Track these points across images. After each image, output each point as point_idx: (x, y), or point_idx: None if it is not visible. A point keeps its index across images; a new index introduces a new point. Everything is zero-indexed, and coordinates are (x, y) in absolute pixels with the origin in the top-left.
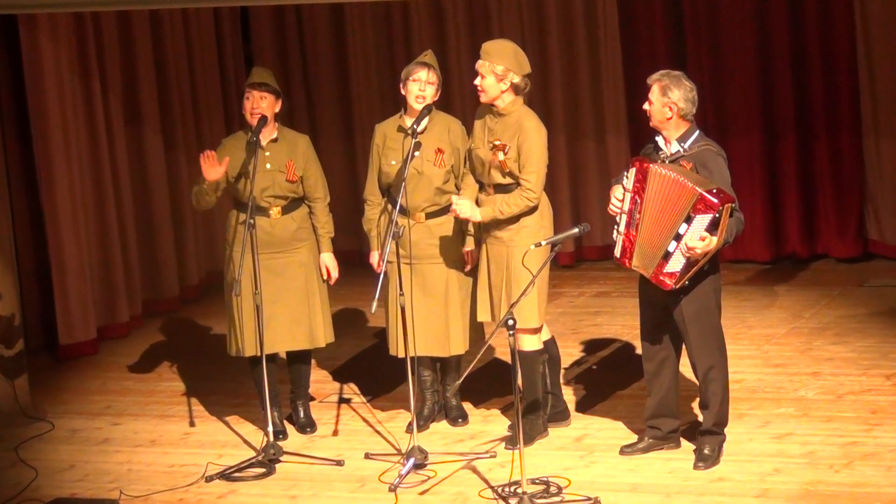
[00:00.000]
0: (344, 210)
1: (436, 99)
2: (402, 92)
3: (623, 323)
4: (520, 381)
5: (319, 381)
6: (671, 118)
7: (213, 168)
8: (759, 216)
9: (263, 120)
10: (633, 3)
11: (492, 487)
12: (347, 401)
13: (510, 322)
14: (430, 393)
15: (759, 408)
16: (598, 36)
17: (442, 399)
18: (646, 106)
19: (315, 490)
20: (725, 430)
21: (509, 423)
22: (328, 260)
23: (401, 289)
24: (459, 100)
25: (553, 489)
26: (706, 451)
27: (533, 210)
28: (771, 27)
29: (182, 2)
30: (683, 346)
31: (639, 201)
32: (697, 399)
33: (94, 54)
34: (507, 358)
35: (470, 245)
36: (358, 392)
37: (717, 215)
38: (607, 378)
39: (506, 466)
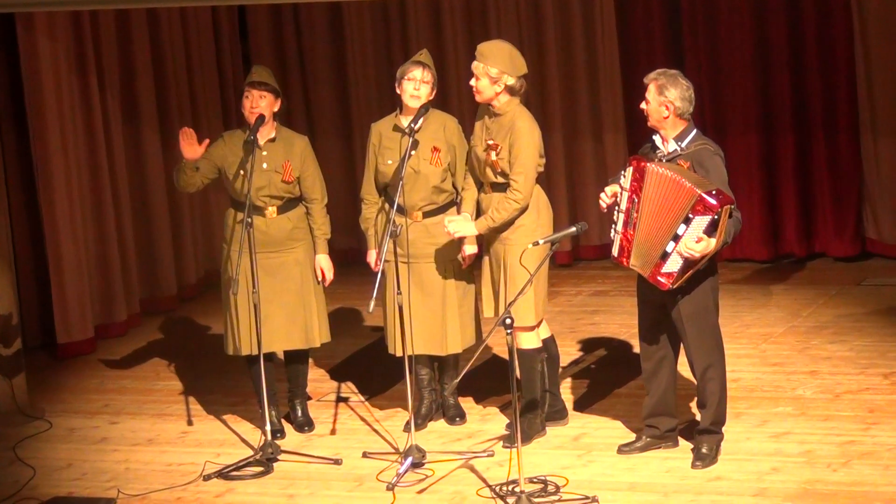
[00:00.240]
0: (342, 209)
1: (431, 98)
2: (398, 91)
3: (621, 322)
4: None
5: (317, 379)
6: (668, 117)
7: (191, 146)
8: (757, 215)
9: (261, 119)
10: (630, 2)
11: (490, 486)
12: (345, 400)
13: (507, 321)
14: (427, 392)
15: (757, 407)
16: (595, 35)
17: (440, 398)
18: (642, 105)
19: (313, 489)
20: (723, 429)
21: (507, 421)
22: (323, 261)
23: (398, 287)
24: (457, 99)
25: (551, 488)
26: (704, 450)
27: (525, 210)
28: (769, 26)
29: (180, 0)
30: (681, 346)
31: (636, 200)
32: (695, 398)
33: (92, 53)
34: (506, 356)
35: (471, 244)
36: (356, 391)
37: (716, 217)
38: (605, 377)
39: (504, 465)
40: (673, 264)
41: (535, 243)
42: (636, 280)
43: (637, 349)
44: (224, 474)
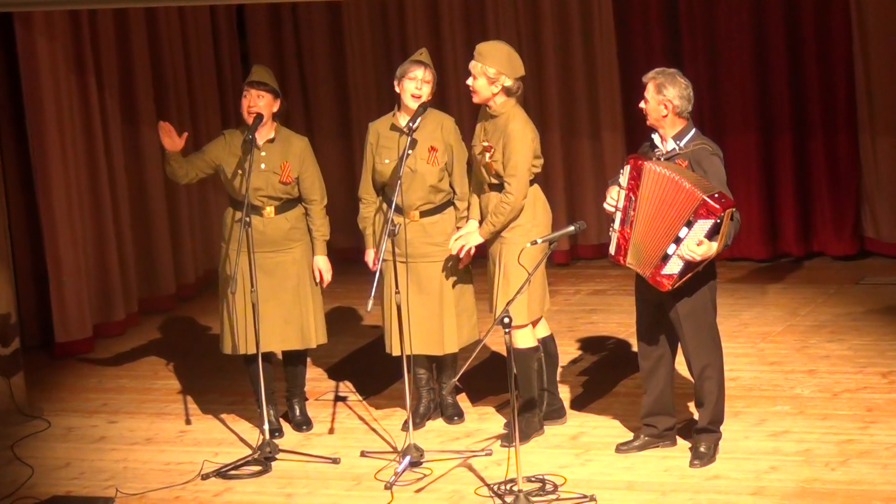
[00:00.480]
0: (341, 209)
1: (430, 97)
2: (397, 90)
3: (619, 321)
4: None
5: (315, 379)
6: (667, 116)
7: (170, 138)
8: (755, 214)
9: (259, 118)
10: (628, 1)
11: (488, 485)
12: (343, 399)
13: (506, 320)
14: (426, 391)
15: (755, 406)
16: (593, 33)
17: (438, 397)
18: (641, 104)
19: (311, 488)
20: (721, 427)
21: (505, 420)
22: (321, 263)
23: (397, 287)
24: (455, 98)
25: (549, 487)
26: (702, 449)
27: (521, 211)
28: (767, 24)
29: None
30: (679, 345)
31: (633, 198)
32: (693, 397)
33: (90, 52)
34: (503, 355)
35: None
36: (354, 390)
37: (719, 221)
38: (603, 376)
39: (502, 464)
40: (673, 266)
41: (534, 242)
42: (634, 279)
43: (635, 348)
44: (222, 473)
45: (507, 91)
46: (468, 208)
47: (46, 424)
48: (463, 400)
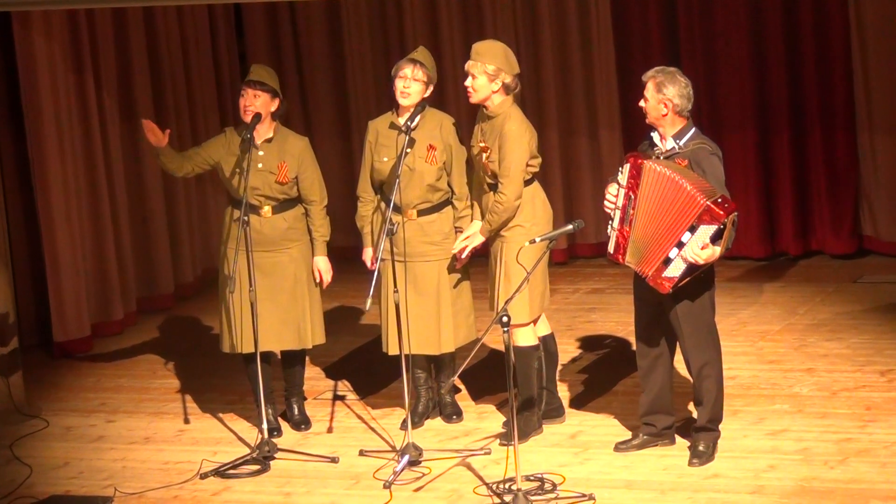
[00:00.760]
0: (340, 208)
1: (426, 95)
2: (393, 88)
3: (617, 320)
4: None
5: (314, 378)
6: (667, 115)
7: (153, 135)
8: (754, 212)
9: (257, 118)
10: None
11: (486, 484)
12: (342, 398)
13: (504, 319)
14: (424, 390)
15: (754, 404)
16: (591, 31)
17: (436, 396)
18: (641, 103)
19: (309, 487)
20: (720, 426)
21: (504, 419)
22: (321, 264)
23: (395, 286)
24: (454, 97)
25: (548, 486)
26: (701, 448)
27: (514, 210)
28: (765, 23)
29: None
30: (678, 343)
31: (632, 197)
32: (692, 396)
33: (89, 51)
34: (503, 353)
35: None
36: (352, 389)
37: (722, 227)
38: (602, 375)
39: (500, 463)
40: (675, 269)
41: (532, 241)
42: (633, 278)
43: (634, 347)
44: (221, 472)
45: (506, 88)
46: (471, 208)
47: (45, 424)
48: (462, 399)
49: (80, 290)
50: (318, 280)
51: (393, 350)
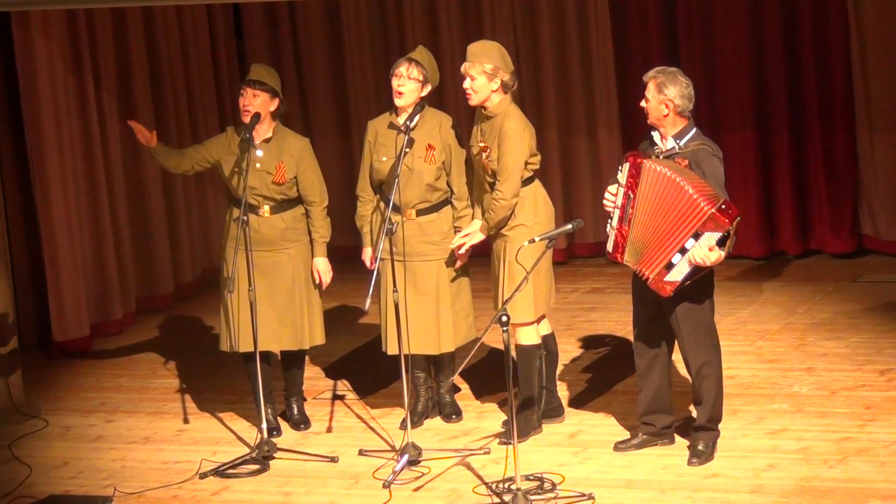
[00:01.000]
0: (340, 208)
1: (423, 94)
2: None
3: (617, 319)
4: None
5: (313, 377)
6: (668, 115)
7: (142, 135)
8: (753, 212)
9: (256, 118)
10: None
11: (486, 484)
12: (341, 397)
13: (503, 318)
14: (423, 389)
15: (753, 404)
16: (589, 31)
17: (436, 395)
18: (642, 103)
19: (309, 487)
20: (719, 426)
21: (504, 419)
22: (321, 265)
23: (394, 286)
24: (453, 97)
25: (547, 485)
26: (700, 447)
27: (511, 209)
28: (764, 23)
29: None
30: (676, 343)
31: (632, 196)
32: (691, 395)
33: (88, 51)
34: (502, 353)
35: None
36: (352, 389)
37: (726, 234)
38: (601, 374)
39: (500, 463)
40: (678, 274)
41: (531, 241)
42: (631, 278)
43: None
44: (220, 472)
45: (504, 87)
46: (471, 208)
47: (44, 423)
48: (461, 398)
49: (80, 290)
50: (317, 281)
51: (392, 350)
